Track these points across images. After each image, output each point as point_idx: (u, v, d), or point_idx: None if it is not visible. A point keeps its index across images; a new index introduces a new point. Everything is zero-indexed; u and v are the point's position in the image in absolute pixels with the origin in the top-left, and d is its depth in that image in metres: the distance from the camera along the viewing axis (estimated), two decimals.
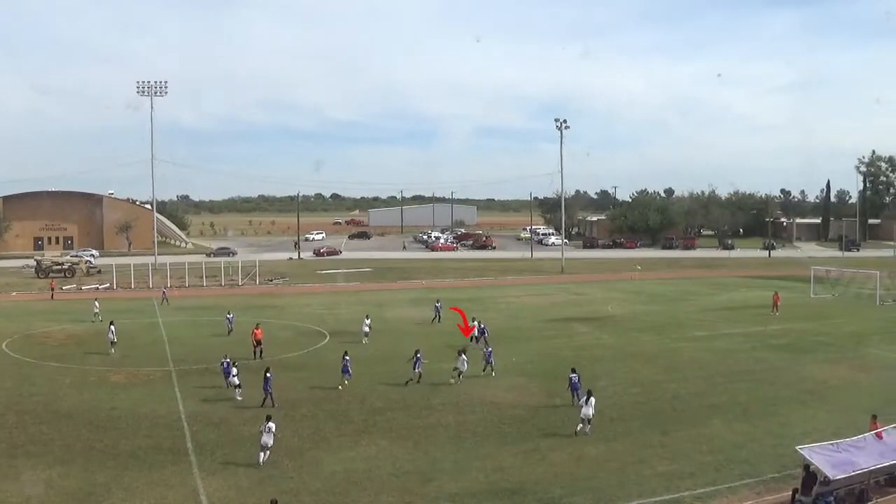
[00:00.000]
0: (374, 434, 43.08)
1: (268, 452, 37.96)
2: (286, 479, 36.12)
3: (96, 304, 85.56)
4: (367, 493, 34.49)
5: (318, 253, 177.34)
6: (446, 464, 38.26)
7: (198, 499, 33.91)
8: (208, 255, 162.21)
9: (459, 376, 52.56)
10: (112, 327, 65.88)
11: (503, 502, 33.76)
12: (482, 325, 69.08)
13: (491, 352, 57.45)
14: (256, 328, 64.39)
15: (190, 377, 56.05)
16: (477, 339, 67.15)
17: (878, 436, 34.84)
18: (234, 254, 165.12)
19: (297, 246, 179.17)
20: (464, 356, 53.17)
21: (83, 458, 38.69)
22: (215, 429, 43.81)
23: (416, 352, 54.69)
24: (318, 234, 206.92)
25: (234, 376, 49.94)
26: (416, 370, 53.80)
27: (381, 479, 36.14)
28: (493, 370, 55.70)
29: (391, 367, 57.66)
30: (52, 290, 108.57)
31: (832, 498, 31.53)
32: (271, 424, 38.25)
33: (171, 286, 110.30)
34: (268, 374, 47.80)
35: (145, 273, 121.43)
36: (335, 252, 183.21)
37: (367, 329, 70.06)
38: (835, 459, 32.36)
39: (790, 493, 32.24)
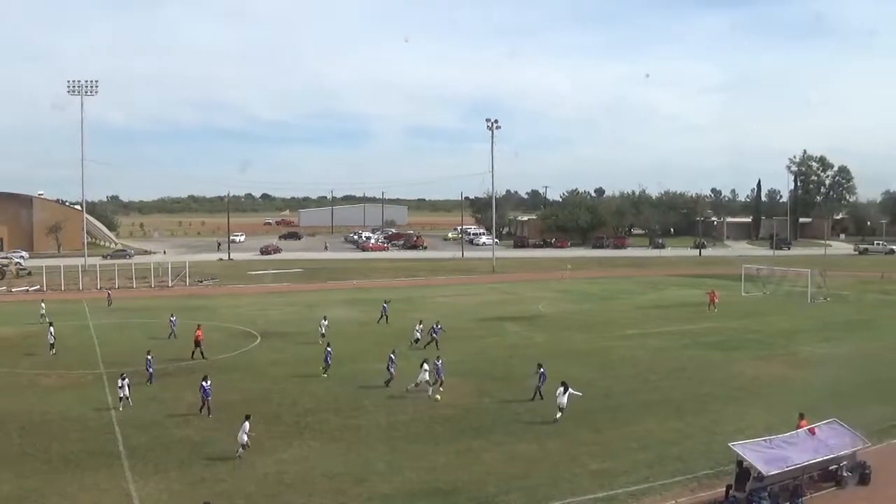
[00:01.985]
0: (307, 435, 42.65)
1: (243, 450, 38.25)
2: (219, 481, 35.60)
3: (42, 305, 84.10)
4: (301, 495, 34.07)
5: (264, 251, 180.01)
6: (379, 464, 37.80)
7: (131, 502, 33.41)
8: (104, 257, 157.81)
9: (416, 386, 51.23)
10: (52, 329, 65.10)
11: (437, 502, 33.42)
12: (437, 326, 68.32)
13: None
14: (198, 328, 64.02)
15: (144, 380, 54.28)
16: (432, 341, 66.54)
17: (811, 432, 34.94)
18: (130, 255, 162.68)
19: (220, 247, 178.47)
20: (425, 366, 51.75)
21: (15, 463, 37.92)
22: (147, 432, 43.04)
23: (392, 352, 54.75)
24: (238, 236, 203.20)
25: (119, 388, 47.41)
26: (391, 371, 53.12)
27: (314, 481, 35.73)
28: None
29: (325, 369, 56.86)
30: None
31: (766, 493, 31.45)
32: (247, 424, 38.51)
33: (101, 287, 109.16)
34: (205, 383, 45.96)
35: (75, 275, 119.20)
36: (278, 250, 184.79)
37: (323, 330, 69.44)
38: (768, 455, 32.44)
39: (724, 489, 32.13)
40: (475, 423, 44.51)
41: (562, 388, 44.85)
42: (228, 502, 33.14)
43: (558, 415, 44.35)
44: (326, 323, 70.47)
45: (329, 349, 57.65)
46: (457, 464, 38.00)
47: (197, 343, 62.35)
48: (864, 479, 34.65)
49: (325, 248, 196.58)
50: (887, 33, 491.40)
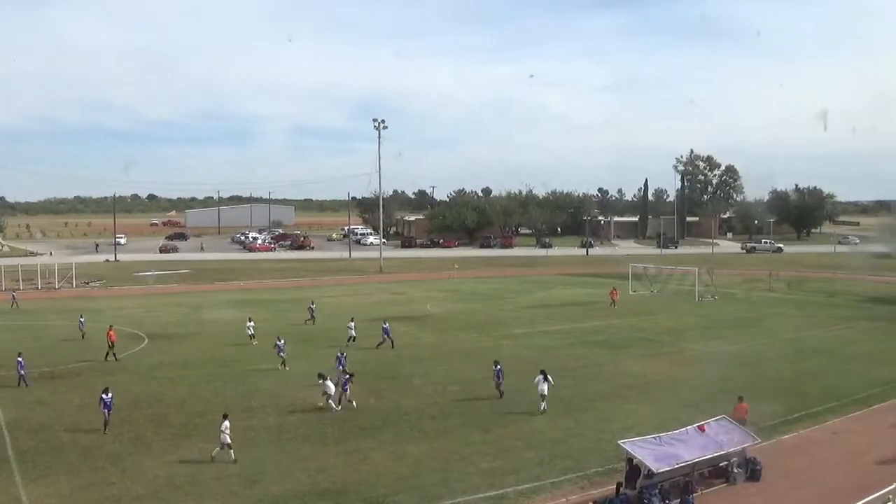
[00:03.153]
0: (195, 437, 41.84)
1: (228, 450, 37.74)
2: (108, 485, 34.83)
3: None
4: (191, 497, 33.44)
5: (163, 249, 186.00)
6: (269, 465, 37.21)
7: None
8: None
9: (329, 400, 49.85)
10: None
11: (327, 503, 32.86)
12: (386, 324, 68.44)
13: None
14: (110, 329, 63.28)
15: (8, 383, 53.19)
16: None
17: (701, 429, 34.90)
18: None
19: (99, 248, 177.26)
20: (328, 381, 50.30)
21: None
22: (35, 435, 42.10)
23: (340, 352, 54.86)
24: (120, 237, 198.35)
25: None
26: (339, 368, 52.09)
27: (205, 483, 35.06)
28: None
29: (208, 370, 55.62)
30: None
31: (657, 491, 31.25)
32: (227, 423, 38.08)
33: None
34: (105, 396, 42.90)
35: None
36: (177, 249, 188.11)
37: (251, 332, 68.22)
38: (657, 453, 32.38)
39: (615, 486, 31.83)
40: (364, 423, 43.91)
41: (541, 377, 45.64)
42: None
43: (543, 405, 45.36)
44: (252, 324, 68.92)
45: (279, 342, 58.76)
46: (346, 464, 37.45)
47: (110, 344, 61.75)
48: (754, 476, 34.74)
49: (202, 248, 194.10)
50: (772, 33, 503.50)
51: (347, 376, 48.21)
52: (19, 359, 53.22)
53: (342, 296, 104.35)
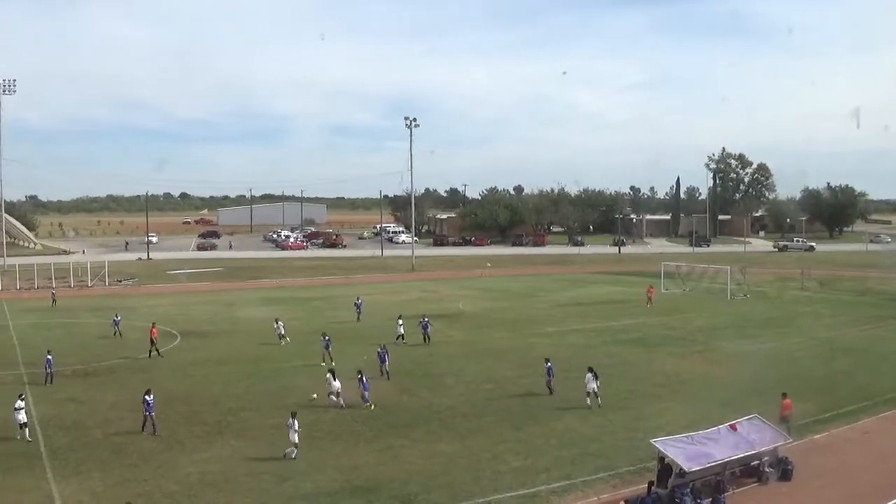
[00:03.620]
0: (228, 435, 42.25)
1: (296, 450, 38.03)
2: (141, 482, 35.06)
3: None
4: (223, 494, 33.68)
5: (201, 247, 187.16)
6: (301, 463, 37.35)
7: (52, 503, 32.77)
8: None
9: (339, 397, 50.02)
10: None
11: (359, 500, 32.97)
12: (425, 320, 69.53)
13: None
14: (153, 327, 64.18)
15: (42, 381, 53.60)
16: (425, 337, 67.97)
17: (733, 428, 34.82)
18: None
19: (128, 246, 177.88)
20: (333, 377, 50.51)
21: None
22: (68, 433, 42.48)
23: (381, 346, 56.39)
24: (152, 236, 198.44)
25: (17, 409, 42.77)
26: (385, 365, 54.48)
27: (237, 480, 35.33)
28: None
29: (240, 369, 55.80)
30: None
31: (688, 490, 31.20)
32: (296, 421, 38.32)
33: (21, 288, 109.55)
34: (148, 397, 42.40)
35: None
36: (215, 246, 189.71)
37: (282, 331, 68.17)
38: (689, 452, 32.37)
39: (646, 485, 31.77)
40: (396, 421, 44.04)
41: (590, 375, 46.35)
42: (150, 502, 32.69)
43: (597, 400, 46.07)
44: (282, 324, 68.88)
45: (325, 338, 59.91)
46: (379, 462, 37.62)
47: (153, 341, 62.49)
48: (785, 475, 34.63)
49: (230, 246, 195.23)
50: (804, 30, 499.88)
51: (360, 374, 48.51)
52: (48, 356, 53.78)
53: (375, 294, 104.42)
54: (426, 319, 69.34)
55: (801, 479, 34.58)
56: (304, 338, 66.32)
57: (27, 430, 41.05)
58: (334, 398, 47.03)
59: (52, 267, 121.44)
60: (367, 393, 47.29)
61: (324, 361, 57.50)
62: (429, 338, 67.62)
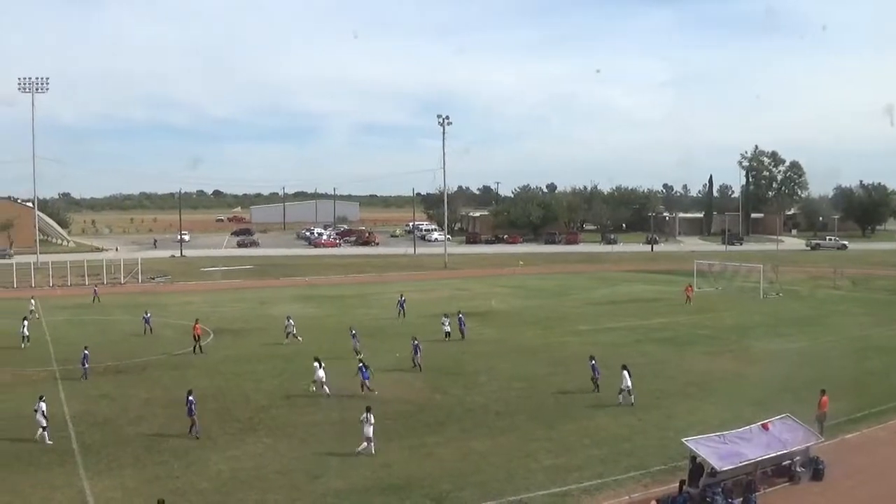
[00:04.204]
0: (260, 432, 42.54)
1: (370, 444, 38.45)
2: (172, 478, 35.37)
3: (32, 301, 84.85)
4: (255, 492, 33.87)
5: (241, 244, 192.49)
6: (333, 460, 37.62)
7: (84, 499, 33.05)
8: None
9: (322, 386, 50.50)
10: (25, 322, 67.56)
11: (391, 498, 33.14)
12: (461, 315, 70.77)
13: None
14: (196, 323, 65.18)
15: (74, 377, 54.39)
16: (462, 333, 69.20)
17: (765, 427, 34.82)
18: (9, 256, 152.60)
19: (157, 244, 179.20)
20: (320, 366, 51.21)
21: None
22: (100, 429, 42.87)
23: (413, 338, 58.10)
24: (184, 234, 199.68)
25: (39, 414, 42.05)
26: (417, 357, 56.53)
27: (268, 477, 35.57)
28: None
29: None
30: None
31: (720, 489, 31.25)
32: (371, 415, 38.63)
33: (54, 285, 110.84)
34: (191, 397, 41.87)
35: (27, 272, 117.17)
36: (256, 243, 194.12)
37: (293, 330, 68.59)
38: (721, 451, 32.38)
39: (677, 484, 31.81)
40: (429, 418, 44.28)
41: (625, 373, 46.82)
42: (182, 499, 32.81)
43: (631, 397, 46.51)
44: (292, 322, 69.22)
45: (353, 332, 62.29)
46: (410, 459, 37.84)
47: (196, 338, 63.51)
48: (817, 475, 34.63)
49: (257, 244, 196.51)
50: (838, 28, 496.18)
51: (360, 363, 49.68)
52: (85, 352, 54.65)
53: (407, 291, 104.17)
54: (462, 316, 69.98)
55: (832, 479, 34.57)
56: (337, 335, 66.58)
57: (47, 433, 40.40)
58: (315, 388, 48.59)
59: (86, 264, 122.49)
60: (367, 381, 48.58)
61: (358, 354, 58.23)
62: (464, 333, 68.34)
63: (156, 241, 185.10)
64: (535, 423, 43.48)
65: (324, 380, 48.41)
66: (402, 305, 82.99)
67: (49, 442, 40.24)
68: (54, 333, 72.20)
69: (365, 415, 38.58)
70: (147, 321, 72.46)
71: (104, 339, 62.63)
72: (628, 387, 46.28)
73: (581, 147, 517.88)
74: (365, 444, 38.27)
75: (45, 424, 40.57)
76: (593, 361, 50.29)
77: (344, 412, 45.32)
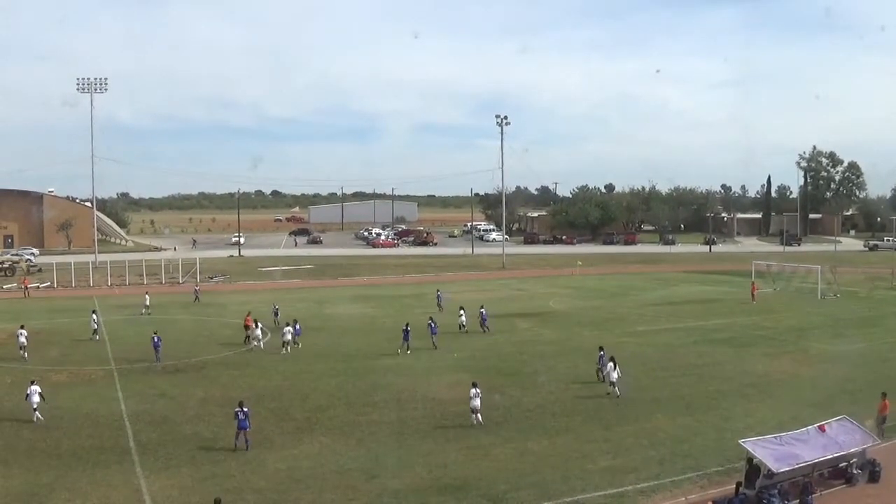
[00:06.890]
0: (317, 431, 42.72)
1: (478, 415, 42.80)
2: (229, 477, 35.66)
3: (147, 297, 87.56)
4: (311, 491, 34.07)
5: (311, 241, 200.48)
6: (389, 460, 37.80)
7: (141, 498, 33.42)
8: None
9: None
10: (94, 316, 70.56)
11: (447, 498, 33.29)
12: (482, 311, 72.96)
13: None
14: (247, 316, 69.16)
15: (131, 376, 55.24)
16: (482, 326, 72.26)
17: (821, 429, 34.82)
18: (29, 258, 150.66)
19: (196, 244, 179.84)
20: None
21: (26, 459, 38.05)
22: (157, 428, 43.20)
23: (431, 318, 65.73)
24: (238, 236, 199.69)
25: (36, 395, 43.69)
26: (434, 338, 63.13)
27: (325, 477, 35.73)
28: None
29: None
30: (26, 288, 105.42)
31: (776, 491, 31.32)
32: (477, 390, 43.31)
33: (115, 283, 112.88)
34: (243, 409, 39.71)
35: (86, 271, 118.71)
36: (320, 241, 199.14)
37: (463, 319, 72.08)
38: (778, 452, 32.37)
39: (734, 486, 31.93)
40: (486, 419, 44.07)
41: (611, 364, 49.54)
42: (238, 498, 33.08)
43: (609, 389, 48.83)
44: (464, 313, 73.08)
45: (406, 328, 63.48)
46: (467, 460, 38.01)
47: (247, 327, 66.64)
48: (874, 477, 34.55)
49: (296, 245, 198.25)
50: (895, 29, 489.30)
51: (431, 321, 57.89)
52: (154, 337, 59.14)
53: (465, 291, 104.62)
54: (484, 310, 72.49)
55: (889, 482, 34.43)
56: (395, 334, 67.10)
57: (38, 412, 43.20)
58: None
59: (144, 263, 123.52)
60: (434, 337, 58.84)
61: (408, 351, 61.36)
62: (487, 328, 71.33)
63: (195, 241, 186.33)
64: (592, 424, 43.61)
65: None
66: (439, 299, 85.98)
67: (41, 418, 42.92)
68: (112, 333, 72.45)
69: (473, 390, 42.58)
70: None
71: (162, 338, 63.00)
72: (612, 379, 48.96)
73: (640, 147, 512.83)
74: (475, 415, 42.28)
75: (36, 403, 43.26)
76: (602, 352, 52.41)
77: (402, 412, 45.81)
